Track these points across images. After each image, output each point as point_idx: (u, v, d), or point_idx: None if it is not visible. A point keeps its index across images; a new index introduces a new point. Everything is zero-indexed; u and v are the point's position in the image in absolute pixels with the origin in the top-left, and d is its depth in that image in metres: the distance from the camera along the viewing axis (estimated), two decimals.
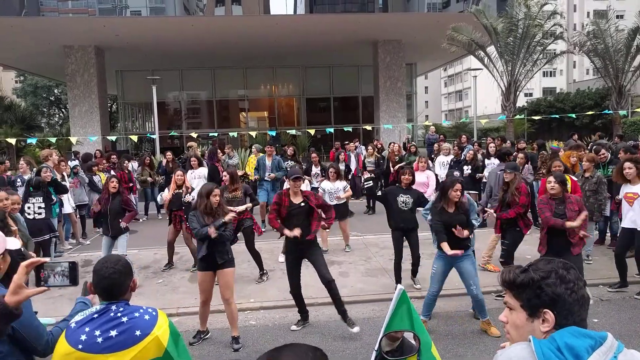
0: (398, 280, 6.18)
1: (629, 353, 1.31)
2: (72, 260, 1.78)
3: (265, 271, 7.03)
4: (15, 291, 1.75)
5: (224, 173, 9.07)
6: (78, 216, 9.62)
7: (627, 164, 5.97)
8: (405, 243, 6.32)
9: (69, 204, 8.86)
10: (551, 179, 5.29)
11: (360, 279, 6.80)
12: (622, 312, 5.44)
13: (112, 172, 11.07)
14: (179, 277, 7.17)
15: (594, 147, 9.26)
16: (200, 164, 9.79)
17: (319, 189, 8.30)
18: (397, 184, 6.36)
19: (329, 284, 5.14)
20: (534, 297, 1.40)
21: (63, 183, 8.39)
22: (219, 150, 12.65)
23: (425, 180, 8.01)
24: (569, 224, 5.04)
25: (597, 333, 1.33)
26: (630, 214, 5.89)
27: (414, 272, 6.40)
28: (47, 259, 1.80)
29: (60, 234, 8.70)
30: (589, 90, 31.71)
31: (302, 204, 5.25)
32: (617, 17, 20.36)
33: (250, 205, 7.21)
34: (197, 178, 9.20)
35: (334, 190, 8.13)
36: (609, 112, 17.87)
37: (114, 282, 2.14)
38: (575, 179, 6.91)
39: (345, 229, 8.34)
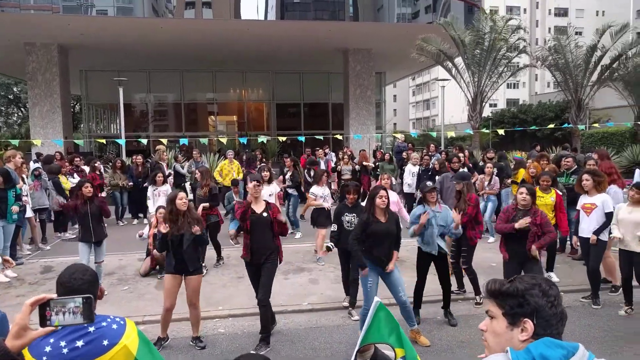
0: (347, 292, 6.03)
1: None
2: (86, 295, 1.51)
3: (222, 257, 7.91)
4: (19, 334, 1.47)
5: (196, 170, 9.07)
6: (38, 220, 9.25)
7: (584, 176, 6.19)
8: None
9: (28, 208, 8.51)
10: (522, 189, 5.39)
11: (330, 286, 6.80)
12: (581, 319, 5.64)
13: (75, 175, 10.76)
14: (144, 284, 6.99)
15: (558, 156, 9.61)
16: (164, 181, 9.34)
17: (309, 194, 8.32)
18: (344, 201, 5.96)
19: (260, 305, 4.94)
20: (517, 305, 1.46)
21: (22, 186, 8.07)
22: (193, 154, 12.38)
23: (395, 200, 7.67)
24: (516, 225, 5.18)
25: (569, 344, 1.39)
26: (587, 224, 6.11)
27: (352, 302, 5.86)
28: (54, 295, 1.50)
29: (19, 239, 8.36)
30: (550, 103, 32.94)
31: (264, 214, 5.05)
32: (576, 33, 21.28)
33: (207, 205, 7.60)
34: (161, 195, 8.82)
35: (326, 194, 8.17)
36: (569, 125, 18.59)
37: (82, 294, 2.05)
38: (560, 193, 6.98)
39: (322, 238, 8.06)
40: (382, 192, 4.92)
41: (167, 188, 9.17)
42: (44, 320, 1.48)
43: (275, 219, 5.04)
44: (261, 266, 5.01)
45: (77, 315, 1.48)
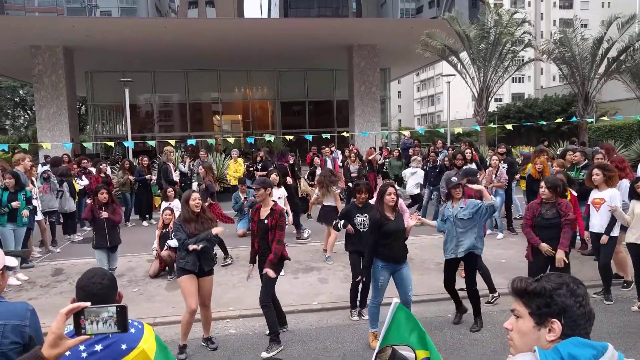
0: (353, 305, 5.80)
1: None
2: (121, 304, 1.52)
3: (230, 255, 7.92)
4: (55, 343, 1.49)
5: (200, 167, 9.12)
6: (47, 223, 9.29)
7: (595, 171, 6.13)
8: None
9: (38, 210, 8.56)
10: (542, 183, 5.33)
11: (340, 285, 6.78)
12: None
13: (83, 177, 10.80)
14: (154, 286, 7.01)
15: (564, 150, 9.53)
16: (175, 196, 9.12)
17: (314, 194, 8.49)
18: (353, 201, 5.81)
19: (262, 306, 4.96)
20: (544, 305, 1.43)
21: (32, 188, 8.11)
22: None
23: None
24: (543, 247, 5.17)
25: (598, 343, 1.37)
26: (597, 219, 6.06)
27: (363, 303, 5.72)
28: (87, 304, 1.50)
29: (30, 242, 8.42)
30: (556, 97, 32.69)
31: (265, 221, 4.98)
32: (582, 25, 21.03)
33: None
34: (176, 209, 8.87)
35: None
36: (576, 119, 18.43)
37: (102, 299, 2.05)
38: (575, 193, 6.89)
39: (332, 237, 8.05)
40: (391, 189, 4.90)
41: (177, 203, 9.13)
42: (78, 329, 1.49)
43: (272, 226, 4.91)
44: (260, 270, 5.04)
45: (111, 324, 1.49)
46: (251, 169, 12.00)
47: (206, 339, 5.06)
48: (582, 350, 1.33)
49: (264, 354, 4.81)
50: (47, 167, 9.98)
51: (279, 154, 11.61)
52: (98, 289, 2.07)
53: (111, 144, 17.80)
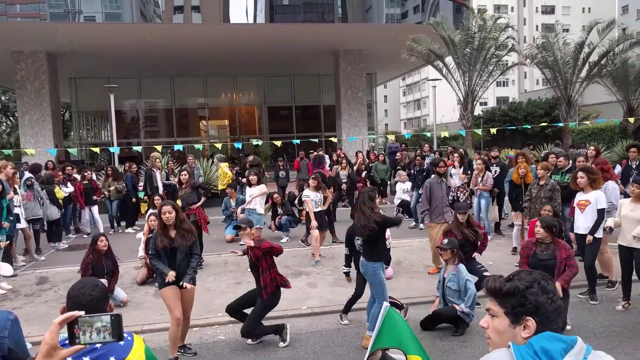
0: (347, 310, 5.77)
1: (596, 354, 1.43)
2: (115, 313, 1.48)
3: (202, 259, 7.63)
4: (49, 353, 1.46)
5: (182, 173, 9.18)
6: (31, 230, 9.14)
7: (579, 173, 6.24)
8: None
9: (22, 219, 8.42)
10: (538, 223, 5.21)
11: (329, 290, 6.78)
12: (579, 315, 5.66)
13: (68, 185, 10.65)
14: (142, 293, 6.93)
15: (548, 153, 9.66)
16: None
17: (303, 196, 8.58)
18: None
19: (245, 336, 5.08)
20: (519, 305, 1.48)
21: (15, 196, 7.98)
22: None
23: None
24: None
25: (568, 337, 1.43)
26: (582, 220, 6.15)
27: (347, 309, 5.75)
28: (81, 313, 1.47)
29: (13, 250, 8.27)
30: (540, 100, 33.18)
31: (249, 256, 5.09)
32: (564, 30, 21.43)
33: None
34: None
35: (318, 199, 8.39)
36: (560, 124, 18.72)
37: (92, 310, 2.02)
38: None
39: (320, 241, 8.31)
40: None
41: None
42: (73, 339, 1.46)
43: (257, 259, 4.93)
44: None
45: (105, 333, 1.46)
46: (240, 176, 11.95)
47: (182, 346, 4.98)
48: (553, 345, 1.39)
49: (282, 344, 5.07)
50: (30, 175, 9.81)
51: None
52: (88, 300, 2.05)
53: (97, 149, 17.58)
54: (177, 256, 4.74)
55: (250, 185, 8.60)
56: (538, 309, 1.46)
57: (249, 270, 5.28)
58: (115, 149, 15.03)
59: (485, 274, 5.95)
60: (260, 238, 5.21)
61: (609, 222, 5.84)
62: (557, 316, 1.48)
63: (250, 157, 12.19)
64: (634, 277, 5.81)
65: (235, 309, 5.27)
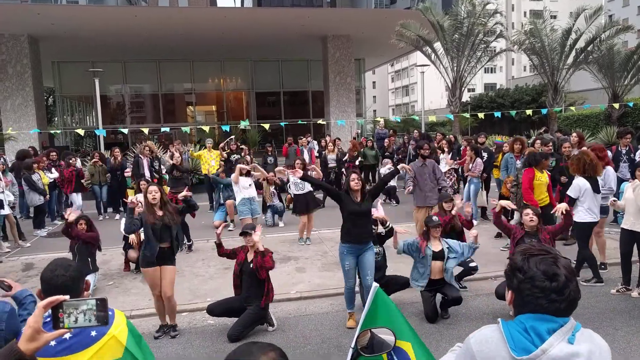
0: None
1: (585, 331, 1.50)
2: (101, 297, 1.46)
3: (191, 241, 8.12)
4: (33, 337, 1.43)
5: (176, 155, 9.17)
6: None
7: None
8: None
9: (6, 205, 8.29)
10: (529, 210, 5.27)
11: (317, 274, 6.82)
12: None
13: (53, 170, 10.50)
14: (130, 279, 6.91)
15: (536, 139, 9.75)
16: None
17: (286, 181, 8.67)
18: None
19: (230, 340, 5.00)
20: (507, 278, 1.59)
21: None
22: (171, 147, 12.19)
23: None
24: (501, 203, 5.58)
25: (560, 318, 1.47)
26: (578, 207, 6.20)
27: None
28: (66, 297, 1.46)
29: None
30: (527, 87, 33.34)
31: (251, 265, 5.09)
32: (552, 17, 21.48)
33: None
34: None
35: (301, 182, 8.32)
36: (545, 111, 18.84)
37: (67, 291, 2.00)
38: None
39: (309, 221, 8.49)
40: (354, 175, 5.11)
41: None
42: (57, 322, 1.44)
43: (257, 268, 5.00)
44: (246, 306, 5.08)
45: (90, 317, 1.45)
46: (229, 156, 11.91)
47: (171, 326, 5.11)
48: (542, 325, 1.44)
49: (270, 329, 5.16)
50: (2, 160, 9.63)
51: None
52: (62, 281, 2.01)
53: (82, 132, 17.28)
54: (164, 234, 4.89)
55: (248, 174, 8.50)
56: (520, 290, 1.50)
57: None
58: (101, 131, 14.80)
59: (471, 264, 6.03)
60: (267, 250, 5.19)
61: (619, 203, 5.90)
62: (542, 298, 1.46)
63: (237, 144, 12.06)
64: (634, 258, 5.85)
65: (217, 314, 5.29)
